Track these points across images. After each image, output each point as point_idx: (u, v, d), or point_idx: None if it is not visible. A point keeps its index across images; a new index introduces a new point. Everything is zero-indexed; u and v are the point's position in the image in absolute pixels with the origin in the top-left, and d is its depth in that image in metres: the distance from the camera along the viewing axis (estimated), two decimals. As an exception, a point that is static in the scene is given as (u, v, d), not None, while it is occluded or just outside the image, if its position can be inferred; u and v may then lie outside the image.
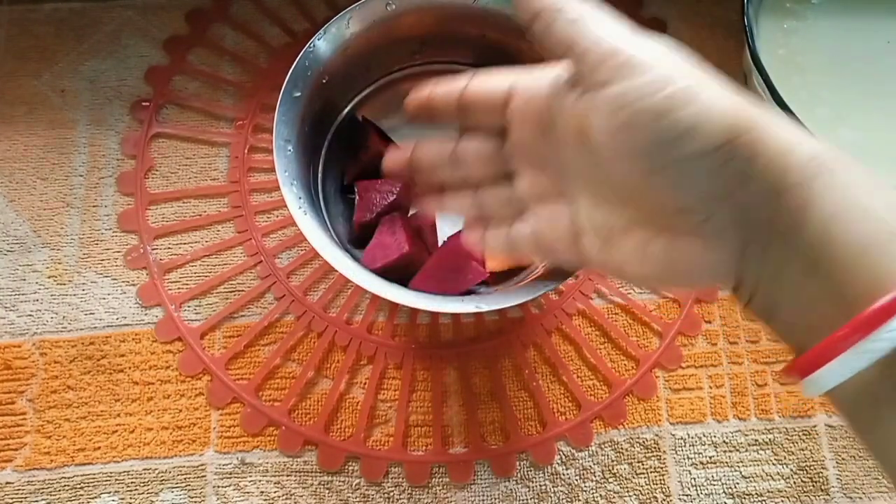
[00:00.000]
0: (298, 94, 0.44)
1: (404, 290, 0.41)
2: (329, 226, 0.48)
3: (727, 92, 0.28)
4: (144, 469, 0.47)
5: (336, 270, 0.41)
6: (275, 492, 0.47)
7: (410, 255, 0.46)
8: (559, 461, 0.49)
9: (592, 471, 0.49)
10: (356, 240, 0.49)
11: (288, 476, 0.48)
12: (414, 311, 0.52)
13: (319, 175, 0.50)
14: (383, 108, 0.53)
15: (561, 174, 0.34)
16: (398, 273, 0.46)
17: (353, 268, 0.41)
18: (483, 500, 0.48)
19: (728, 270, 0.29)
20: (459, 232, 0.50)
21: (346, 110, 0.51)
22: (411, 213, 0.51)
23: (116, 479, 0.47)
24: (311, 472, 0.48)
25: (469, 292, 0.45)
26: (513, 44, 0.47)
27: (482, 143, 0.37)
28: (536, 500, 0.48)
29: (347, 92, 0.51)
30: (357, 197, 0.49)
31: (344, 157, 0.51)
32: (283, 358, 0.50)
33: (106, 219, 0.53)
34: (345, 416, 0.49)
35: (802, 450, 0.50)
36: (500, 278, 0.47)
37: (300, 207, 0.42)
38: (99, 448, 0.48)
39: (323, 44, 0.45)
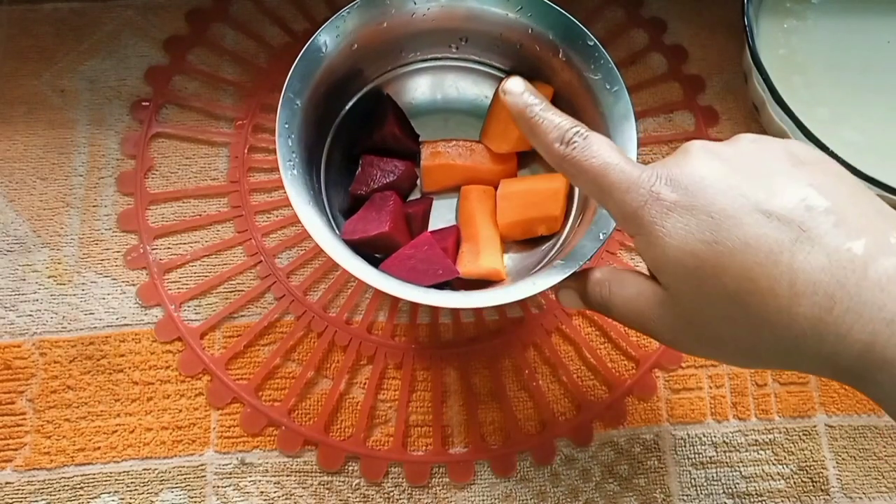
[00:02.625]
0: (322, 53, 0.44)
1: (371, 267, 0.41)
2: (323, 190, 0.48)
3: None
4: (144, 469, 0.47)
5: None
6: (275, 492, 0.47)
7: (389, 236, 0.46)
8: (559, 461, 0.49)
9: (592, 471, 0.49)
10: (348, 210, 0.49)
11: (288, 476, 0.48)
12: (413, 311, 0.52)
13: (329, 139, 0.50)
14: (410, 90, 0.53)
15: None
16: (375, 250, 0.47)
17: (326, 235, 0.41)
18: (483, 501, 0.48)
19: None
20: (445, 228, 0.50)
21: (373, 83, 0.52)
22: (410, 199, 0.51)
23: (116, 479, 0.47)
24: (311, 472, 0.48)
25: (438, 287, 0.44)
26: (546, 59, 0.48)
27: None
28: (536, 501, 0.48)
29: (377, 65, 0.51)
30: (359, 168, 0.50)
31: (359, 128, 0.51)
32: (283, 358, 0.50)
33: (106, 219, 0.53)
34: (345, 416, 0.49)
35: (802, 450, 0.50)
36: (469, 284, 0.47)
37: (290, 160, 0.42)
38: (99, 448, 0.48)
39: (359, 11, 0.45)
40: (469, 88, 0.53)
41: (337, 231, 0.46)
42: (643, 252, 0.34)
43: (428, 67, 0.53)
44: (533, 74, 0.50)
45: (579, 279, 0.41)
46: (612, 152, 0.35)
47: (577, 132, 0.36)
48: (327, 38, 0.44)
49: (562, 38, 0.46)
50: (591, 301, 0.40)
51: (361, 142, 0.50)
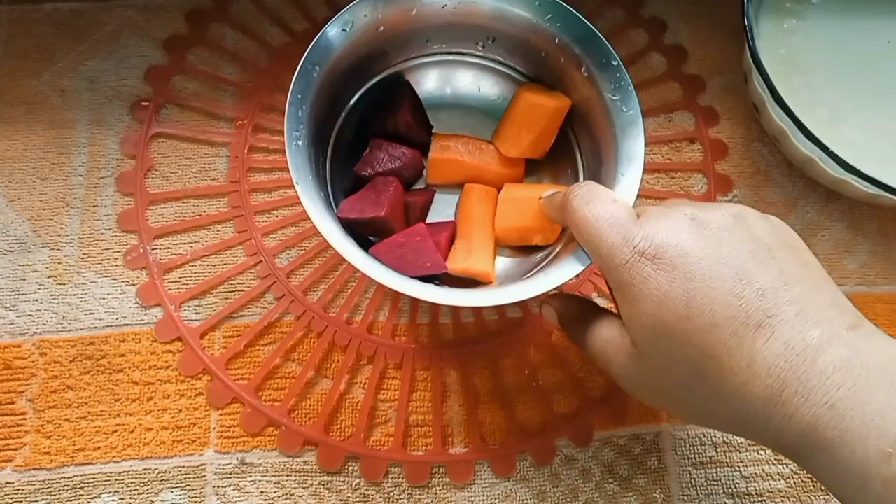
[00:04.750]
0: (345, 30, 0.45)
1: (359, 249, 0.41)
2: (328, 167, 0.48)
3: None
4: (144, 469, 0.47)
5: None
6: (274, 492, 0.47)
7: (385, 221, 0.46)
8: (559, 461, 0.49)
9: (592, 471, 0.49)
10: (350, 190, 0.49)
11: (288, 476, 0.48)
12: (414, 310, 0.52)
13: (342, 118, 0.50)
14: (431, 81, 0.54)
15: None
16: (370, 233, 0.47)
17: (319, 210, 0.41)
18: (483, 500, 0.48)
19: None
20: (441, 222, 0.50)
21: (395, 68, 0.52)
22: (413, 188, 0.52)
23: (116, 480, 0.47)
24: (311, 472, 0.48)
25: (424, 280, 0.45)
26: (569, 71, 0.48)
27: None
28: (536, 501, 0.48)
29: (401, 51, 0.51)
30: (367, 150, 0.50)
31: (374, 110, 0.51)
32: (283, 358, 0.50)
33: (106, 219, 0.53)
34: (345, 416, 0.49)
35: (802, 450, 0.50)
36: (457, 282, 0.47)
37: (296, 131, 0.42)
38: (99, 448, 0.48)
39: None
40: (490, 88, 0.54)
41: (334, 209, 0.46)
42: (620, 305, 0.36)
43: (452, 61, 0.53)
44: (554, 84, 0.50)
45: (560, 302, 0.44)
46: (606, 206, 0.37)
47: (580, 184, 0.39)
48: (353, 18, 0.45)
49: (586, 53, 0.46)
50: (565, 328, 0.43)
51: (374, 125, 0.51)
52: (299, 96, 0.43)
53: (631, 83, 0.45)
